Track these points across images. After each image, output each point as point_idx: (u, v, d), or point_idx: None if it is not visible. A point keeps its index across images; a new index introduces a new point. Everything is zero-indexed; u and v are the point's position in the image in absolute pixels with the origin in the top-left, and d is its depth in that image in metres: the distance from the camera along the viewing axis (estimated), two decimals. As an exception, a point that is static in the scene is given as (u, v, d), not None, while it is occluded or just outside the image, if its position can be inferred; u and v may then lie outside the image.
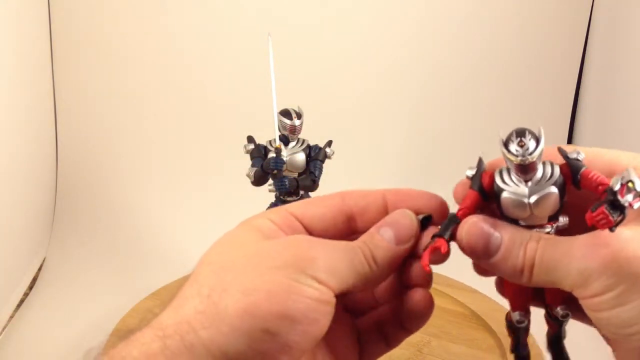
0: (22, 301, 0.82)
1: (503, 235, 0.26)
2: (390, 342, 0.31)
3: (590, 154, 0.27)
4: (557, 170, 0.27)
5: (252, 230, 0.28)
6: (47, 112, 1.02)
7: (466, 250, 0.27)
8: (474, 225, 0.27)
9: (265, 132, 0.61)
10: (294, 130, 0.61)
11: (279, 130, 0.60)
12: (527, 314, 0.30)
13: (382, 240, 0.28)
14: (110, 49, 1.03)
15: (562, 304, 0.29)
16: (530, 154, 0.25)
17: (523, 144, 0.25)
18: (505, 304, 0.31)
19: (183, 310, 0.25)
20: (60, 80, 1.03)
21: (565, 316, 0.29)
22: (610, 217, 0.23)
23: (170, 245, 0.94)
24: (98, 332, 0.66)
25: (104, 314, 0.75)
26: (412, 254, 0.29)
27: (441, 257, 0.27)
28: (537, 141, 0.25)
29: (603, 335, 0.27)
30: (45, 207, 0.99)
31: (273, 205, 0.62)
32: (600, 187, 0.25)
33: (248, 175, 0.61)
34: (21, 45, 0.90)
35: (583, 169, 0.26)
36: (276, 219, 0.29)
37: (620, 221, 0.24)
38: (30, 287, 0.86)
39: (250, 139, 0.63)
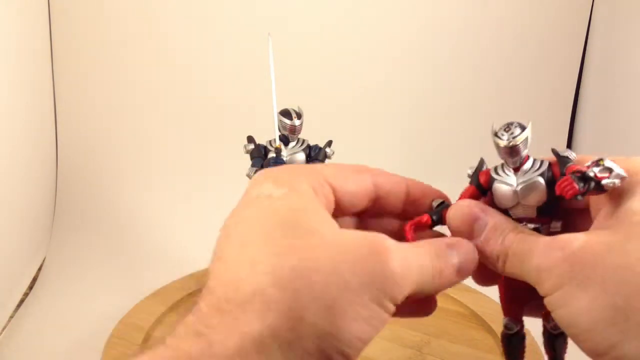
0: (22, 301, 0.82)
1: (489, 220, 0.28)
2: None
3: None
4: (545, 164, 0.29)
5: (315, 204, 0.25)
6: (47, 112, 1.02)
7: (452, 227, 0.28)
8: (463, 206, 0.29)
9: (265, 132, 0.61)
10: (294, 130, 0.61)
11: (279, 130, 0.60)
12: (517, 322, 0.31)
13: (450, 267, 0.27)
14: (110, 49, 1.03)
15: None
16: (515, 137, 0.28)
17: (509, 129, 0.29)
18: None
19: (270, 322, 0.22)
20: (60, 80, 1.03)
21: (556, 328, 0.30)
22: (575, 184, 0.25)
23: (170, 245, 0.94)
24: (98, 332, 0.66)
25: (104, 314, 0.75)
26: None
27: (423, 228, 0.29)
28: (523, 129, 0.28)
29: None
30: (45, 207, 0.99)
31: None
32: (564, 194, 0.27)
33: (248, 175, 0.61)
34: (21, 45, 0.90)
35: (570, 164, 0.28)
36: (317, 187, 0.26)
37: (585, 192, 0.25)
38: (30, 287, 0.86)
39: (250, 139, 0.63)
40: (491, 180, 0.29)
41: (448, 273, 0.27)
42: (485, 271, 0.30)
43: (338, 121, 1.01)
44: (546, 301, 0.25)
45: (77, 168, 1.04)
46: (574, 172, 0.26)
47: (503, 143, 0.28)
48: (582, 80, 1.05)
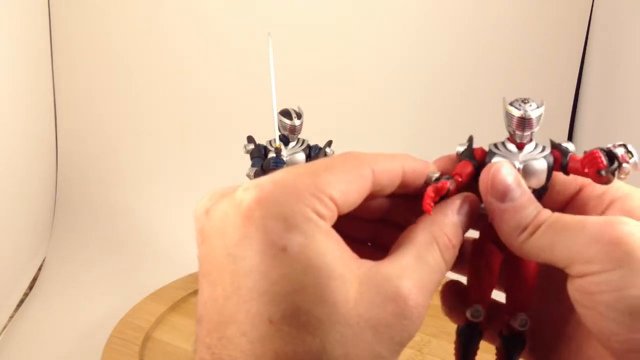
0: (22, 301, 0.82)
1: (524, 190, 0.27)
2: None
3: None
4: (548, 149, 0.28)
5: (334, 261, 0.22)
6: (47, 112, 1.02)
7: (492, 183, 0.26)
8: (508, 167, 0.27)
9: (265, 132, 0.61)
10: (294, 130, 0.61)
11: (279, 130, 0.60)
12: (485, 308, 0.28)
13: (452, 246, 0.26)
14: (110, 49, 1.03)
15: (524, 310, 0.28)
16: (532, 110, 0.27)
17: (527, 102, 0.28)
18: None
19: None
20: (60, 80, 1.03)
21: (524, 324, 0.28)
22: (603, 159, 0.25)
23: (170, 245, 0.94)
24: (98, 332, 0.66)
25: (104, 314, 0.75)
26: None
27: (446, 195, 0.27)
28: (539, 106, 0.28)
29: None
30: (45, 207, 0.99)
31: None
32: (587, 168, 0.26)
33: (248, 176, 0.61)
34: (21, 44, 0.90)
35: (571, 153, 0.27)
36: (327, 216, 0.23)
37: (612, 171, 0.25)
38: (30, 287, 0.86)
39: (250, 139, 0.63)
40: (489, 155, 0.28)
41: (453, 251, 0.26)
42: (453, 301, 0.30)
43: (338, 121, 1.01)
44: (578, 285, 0.24)
45: (77, 168, 1.04)
46: (601, 149, 0.25)
47: (519, 113, 0.28)
48: (582, 80, 1.05)
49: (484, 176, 0.27)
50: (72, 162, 1.04)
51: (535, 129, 0.28)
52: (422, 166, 0.28)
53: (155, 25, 1.03)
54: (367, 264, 0.23)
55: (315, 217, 0.22)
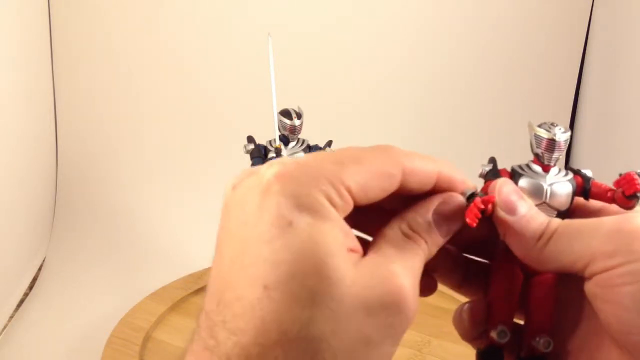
0: (22, 301, 0.82)
1: (530, 205, 0.27)
2: None
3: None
4: (571, 174, 0.29)
5: (338, 241, 0.22)
6: (47, 112, 1.02)
7: (499, 198, 0.27)
8: (512, 184, 0.28)
9: (265, 132, 0.61)
10: (294, 130, 0.61)
11: (279, 130, 0.60)
12: (509, 329, 0.28)
13: (440, 240, 0.26)
14: (110, 49, 1.03)
15: (546, 332, 0.28)
16: (562, 133, 0.28)
17: (556, 125, 0.29)
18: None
19: None
20: (60, 80, 1.03)
21: (548, 346, 0.27)
22: (639, 182, 0.26)
23: (170, 245, 0.94)
24: (98, 332, 0.66)
25: (104, 314, 0.75)
26: None
27: (485, 211, 0.26)
28: (567, 130, 0.29)
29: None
30: (45, 207, 0.99)
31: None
32: (609, 193, 0.27)
33: (248, 175, 0.61)
34: (21, 45, 0.90)
35: (592, 179, 0.29)
36: (338, 203, 0.23)
37: None
38: (30, 287, 0.86)
39: (250, 139, 0.63)
40: (516, 176, 0.29)
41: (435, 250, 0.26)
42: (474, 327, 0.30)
43: (338, 121, 1.01)
44: (609, 276, 0.24)
45: (77, 168, 1.04)
46: (637, 172, 0.26)
47: (548, 135, 0.28)
48: (582, 80, 1.05)
49: (494, 189, 0.27)
50: (72, 162, 1.04)
51: (563, 152, 0.29)
52: (460, 179, 0.27)
53: (155, 25, 1.03)
54: (359, 256, 0.24)
55: (327, 203, 0.22)
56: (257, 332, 0.21)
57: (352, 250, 0.23)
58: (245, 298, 0.21)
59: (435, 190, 0.27)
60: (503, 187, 0.27)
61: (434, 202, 0.26)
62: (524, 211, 0.27)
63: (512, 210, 0.27)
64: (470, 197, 0.27)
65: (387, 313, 0.22)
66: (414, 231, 0.25)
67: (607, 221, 0.25)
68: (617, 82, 0.93)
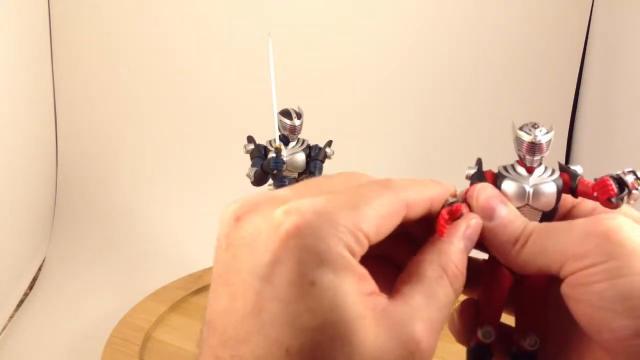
0: (22, 301, 0.82)
1: (510, 208, 0.28)
2: None
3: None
4: (557, 173, 0.29)
5: (357, 300, 0.22)
6: (47, 112, 1.02)
7: (477, 204, 0.28)
8: (490, 188, 0.28)
9: (265, 132, 0.61)
10: (294, 130, 0.61)
11: (279, 130, 0.60)
12: (495, 329, 0.29)
13: (459, 276, 0.26)
14: (110, 49, 1.03)
15: (533, 331, 0.28)
16: (543, 134, 0.28)
17: (537, 127, 0.28)
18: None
19: None
20: (60, 80, 1.03)
21: (534, 344, 0.28)
22: (614, 187, 0.26)
23: (170, 245, 0.94)
24: (98, 332, 0.66)
25: (104, 314, 0.75)
26: None
27: (458, 218, 0.27)
28: (549, 131, 0.28)
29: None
30: (45, 207, 0.99)
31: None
32: (595, 193, 0.27)
33: (248, 175, 0.61)
34: (21, 44, 0.90)
35: (580, 177, 0.28)
36: (357, 251, 0.23)
37: (620, 197, 0.26)
38: (30, 287, 0.86)
39: (250, 139, 0.63)
40: (500, 178, 0.29)
41: (460, 279, 0.26)
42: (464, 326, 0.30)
43: (338, 121, 1.01)
44: (584, 274, 0.24)
45: (77, 168, 1.04)
46: (611, 176, 0.26)
47: (529, 138, 0.28)
48: (582, 80, 1.05)
49: (470, 199, 0.28)
50: (72, 162, 1.04)
51: (545, 154, 0.29)
52: (446, 194, 0.28)
53: (155, 25, 1.03)
54: (382, 302, 0.23)
55: (347, 255, 0.22)
56: None
57: (370, 295, 0.23)
58: (265, 359, 0.21)
59: (431, 214, 0.27)
60: (481, 194, 0.28)
61: (459, 242, 0.26)
62: (502, 215, 0.27)
63: (489, 217, 0.27)
64: (451, 204, 0.28)
65: None
66: (446, 274, 0.25)
67: (579, 223, 0.25)
68: (617, 82, 0.93)
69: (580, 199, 0.29)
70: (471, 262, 0.31)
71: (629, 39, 0.90)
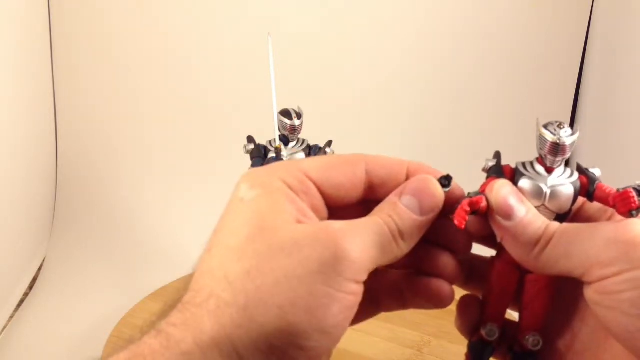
0: (22, 301, 0.82)
1: (529, 208, 0.27)
2: (407, 305, 0.30)
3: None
4: (576, 175, 0.28)
5: (280, 203, 0.25)
6: (47, 112, 1.02)
7: (495, 203, 0.27)
8: (509, 186, 0.27)
9: (265, 132, 0.61)
10: (294, 130, 0.60)
11: (279, 130, 0.60)
12: (499, 328, 0.29)
13: (407, 212, 0.26)
14: (110, 49, 1.03)
15: (537, 330, 0.28)
16: (568, 136, 0.27)
17: (562, 127, 0.28)
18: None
19: (222, 320, 0.23)
20: (60, 80, 1.03)
21: (537, 344, 0.28)
22: (636, 199, 0.25)
23: (170, 245, 0.94)
24: (98, 332, 0.66)
25: (104, 314, 0.75)
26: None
27: (478, 210, 0.27)
28: (574, 132, 0.28)
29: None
30: (45, 207, 0.99)
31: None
32: (611, 199, 0.26)
33: (248, 175, 0.61)
34: (21, 45, 0.90)
35: (598, 182, 0.28)
36: (293, 183, 0.26)
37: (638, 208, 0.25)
38: (30, 287, 0.86)
39: (250, 139, 0.63)
40: (517, 175, 0.28)
41: (408, 224, 0.26)
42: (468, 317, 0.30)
43: (338, 121, 1.01)
44: (608, 283, 0.24)
45: (77, 168, 1.04)
46: (634, 188, 0.25)
47: (553, 138, 0.27)
48: (582, 80, 1.05)
49: (488, 194, 0.27)
50: (72, 162, 1.04)
51: (567, 155, 0.28)
52: (432, 169, 0.29)
53: (155, 25, 1.03)
54: (311, 215, 0.27)
55: (279, 182, 0.26)
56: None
57: (299, 210, 0.26)
58: (216, 253, 0.26)
59: (408, 177, 0.28)
60: (500, 191, 0.27)
61: (401, 183, 0.28)
62: (521, 215, 0.26)
63: (508, 217, 0.27)
64: (444, 179, 0.28)
65: (315, 252, 0.24)
66: (379, 209, 0.27)
67: (604, 228, 0.25)
68: (617, 82, 0.93)
69: (601, 208, 0.28)
70: (477, 259, 0.31)
71: (629, 39, 0.90)
